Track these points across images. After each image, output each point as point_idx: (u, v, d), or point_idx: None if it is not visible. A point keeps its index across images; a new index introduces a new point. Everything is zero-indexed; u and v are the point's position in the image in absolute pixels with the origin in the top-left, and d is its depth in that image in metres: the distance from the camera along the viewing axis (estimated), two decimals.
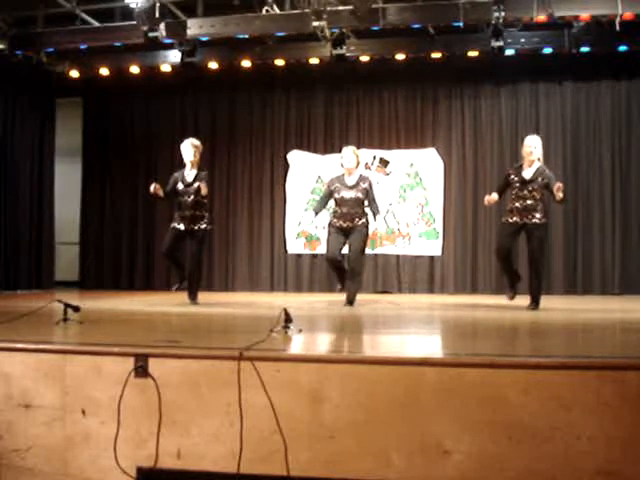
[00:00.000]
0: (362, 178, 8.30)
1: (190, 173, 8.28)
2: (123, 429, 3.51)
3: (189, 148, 8.29)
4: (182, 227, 8.18)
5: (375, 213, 8.26)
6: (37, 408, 3.66)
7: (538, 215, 7.49)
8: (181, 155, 8.39)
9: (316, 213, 8.46)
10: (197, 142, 8.39)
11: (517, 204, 7.50)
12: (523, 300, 8.01)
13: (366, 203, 8.25)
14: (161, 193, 8.22)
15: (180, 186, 8.26)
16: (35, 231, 11.95)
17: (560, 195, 7.20)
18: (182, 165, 8.43)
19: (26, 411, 3.67)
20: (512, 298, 7.78)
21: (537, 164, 7.55)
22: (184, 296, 8.42)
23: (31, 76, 11.26)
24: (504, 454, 3.18)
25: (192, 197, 8.15)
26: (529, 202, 7.45)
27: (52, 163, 12.43)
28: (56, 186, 12.44)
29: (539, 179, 7.49)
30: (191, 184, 8.20)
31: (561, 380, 3.21)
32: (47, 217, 12.24)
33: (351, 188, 8.14)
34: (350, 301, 8.04)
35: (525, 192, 7.49)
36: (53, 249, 12.41)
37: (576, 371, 3.23)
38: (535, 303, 7.51)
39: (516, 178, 7.57)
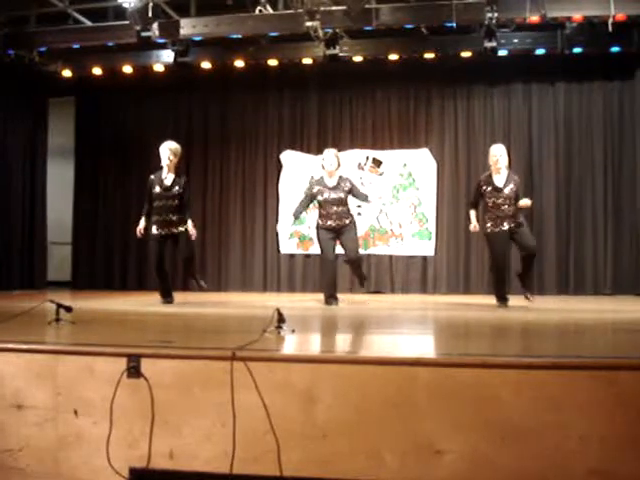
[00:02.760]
0: (342, 179, 8.48)
1: (168, 177, 8.24)
2: (115, 429, 3.51)
3: (165, 152, 8.25)
4: (162, 232, 8.18)
5: (366, 199, 8.59)
6: (29, 408, 3.65)
7: (517, 217, 7.76)
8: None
9: (295, 218, 8.70)
10: (173, 146, 8.33)
11: (497, 212, 7.78)
12: (515, 300, 8.05)
13: (349, 203, 8.47)
14: (142, 225, 8.29)
15: (157, 189, 8.21)
16: (27, 231, 11.92)
17: (519, 206, 7.72)
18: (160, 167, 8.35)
19: (18, 411, 3.66)
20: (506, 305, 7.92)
21: (505, 171, 7.84)
22: (177, 296, 8.43)
23: (23, 75, 11.22)
24: (496, 454, 3.18)
25: (169, 201, 8.14)
26: (506, 207, 7.77)
27: (45, 163, 12.40)
28: (48, 186, 12.41)
29: (511, 185, 7.78)
30: (170, 188, 8.18)
31: (553, 380, 3.22)
32: (39, 217, 12.22)
33: (333, 189, 8.34)
34: (364, 282, 8.99)
35: (501, 199, 7.77)
36: (45, 249, 12.39)
37: (568, 371, 3.24)
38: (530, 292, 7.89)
39: (489, 187, 7.82)
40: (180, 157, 8.50)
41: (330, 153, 8.46)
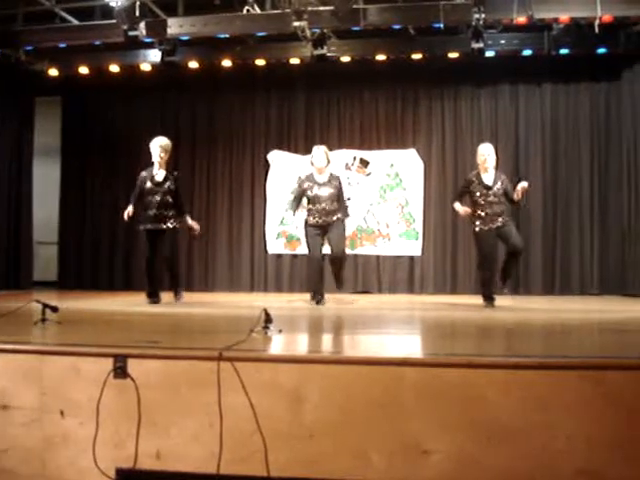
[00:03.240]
0: (333, 176, 8.54)
1: (159, 172, 8.29)
2: (102, 430, 3.50)
3: (155, 148, 8.31)
4: (151, 227, 8.20)
5: (345, 212, 8.58)
6: (15, 409, 3.63)
7: (506, 215, 7.92)
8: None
9: (294, 212, 8.65)
10: (164, 142, 8.39)
11: (487, 210, 7.88)
12: (502, 301, 8.08)
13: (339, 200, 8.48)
14: (131, 210, 8.26)
15: (148, 184, 8.25)
16: (13, 231, 11.86)
17: (519, 196, 7.77)
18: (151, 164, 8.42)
19: (4, 412, 3.64)
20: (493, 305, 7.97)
21: (493, 171, 7.94)
22: (164, 296, 8.42)
23: (10, 75, 11.14)
24: (483, 454, 3.19)
25: (161, 197, 8.17)
26: (496, 206, 7.89)
27: (31, 162, 12.32)
28: (35, 185, 12.34)
29: (499, 183, 7.90)
30: (161, 183, 8.22)
31: (540, 380, 3.23)
32: (25, 216, 12.14)
33: (323, 185, 8.34)
34: (341, 286, 8.70)
35: (491, 198, 7.88)
36: (31, 249, 12.32)
37: (555, 371, 3.25)
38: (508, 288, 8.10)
39: (479, 185, 7.93)
40: (171, 153, 8.54)
41: (319, 150, 8.47)
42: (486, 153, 7.93)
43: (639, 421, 3.14)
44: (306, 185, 8.41)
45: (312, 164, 8.49)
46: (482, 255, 8.07)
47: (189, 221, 8.38)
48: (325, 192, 8.29)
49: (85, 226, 12.44)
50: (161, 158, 8.28)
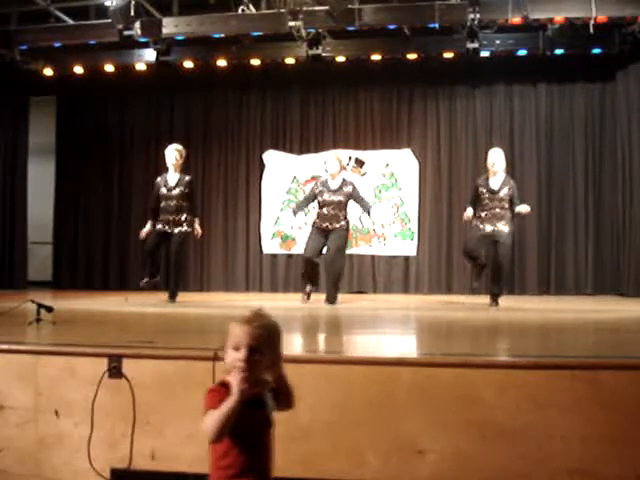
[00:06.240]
0: (345, 182, 8.53)
1: (173, 177, 8.40)
2: (97, 430, 3.49)
3: (171, 152, 8.46)
4: (164, 229, 8.28)
5: (367, 208, 8.60)
6: (10, 409, 3.62)
7: (504, 222, 7.91)
8: (158, 156, 8.51)
9: (295, 213, 8.76)
10: (179, 147, 8.56)
11: (487, 213, 7.98)
12: (500, 302, 8.09)
13: (349, 207, 8.50)
14: (149, 229, 8.40)
15: (163, 190, 8.38)
16: (8, 231, 11.83)
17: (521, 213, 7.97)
18: (165, 169, 8.56)
19: None
20: (477, 287, 8.36)
21: (502, 174, 8.08)
22: (159, 296, 8.42)
23: (4, 74, 11.11)
24: (478, 453, 3.19)
25: (174, 201, 8.23)
26: (498, 211, 7.96)
27: (25, 162, 12.29)
28: (29, 185, 12.32)
29: (506, 189, 7.96)
30: (174, 188, 8.30)
31: (535, 380, 3.23)
32: (20, 216, 12.11)
33: (334, 192, 8.37)
34: (331, 301, 8.29)
35: (495, 202, 7.96)
36: (26, 249, 12.29)
37: (550, 371, 3.26)
38: (496, 303, 8.01)
39: (485, 189, 8.03)
40: (184, 157, 8.68)
41: (331, 156, 8.57)
42: (493, 158, 8.07)
43: (632, 420, 3.14)
44: (318, 190, 8.47)
45: (325, 170, 8.54)
46: (464, 250, 8.35)
47: (196, 225, 8.45)
48: (334, 198, 8.34)
49: (80, 226, 12.41)
50: (177, 161, 8.43)
